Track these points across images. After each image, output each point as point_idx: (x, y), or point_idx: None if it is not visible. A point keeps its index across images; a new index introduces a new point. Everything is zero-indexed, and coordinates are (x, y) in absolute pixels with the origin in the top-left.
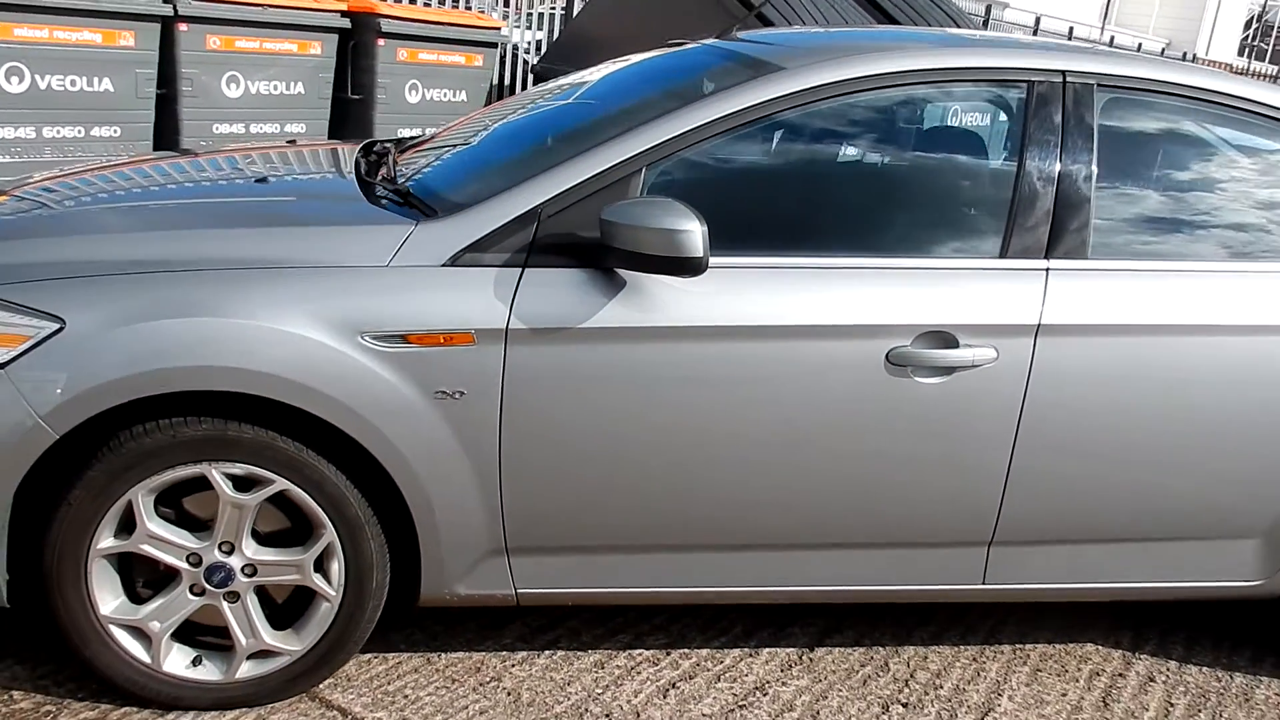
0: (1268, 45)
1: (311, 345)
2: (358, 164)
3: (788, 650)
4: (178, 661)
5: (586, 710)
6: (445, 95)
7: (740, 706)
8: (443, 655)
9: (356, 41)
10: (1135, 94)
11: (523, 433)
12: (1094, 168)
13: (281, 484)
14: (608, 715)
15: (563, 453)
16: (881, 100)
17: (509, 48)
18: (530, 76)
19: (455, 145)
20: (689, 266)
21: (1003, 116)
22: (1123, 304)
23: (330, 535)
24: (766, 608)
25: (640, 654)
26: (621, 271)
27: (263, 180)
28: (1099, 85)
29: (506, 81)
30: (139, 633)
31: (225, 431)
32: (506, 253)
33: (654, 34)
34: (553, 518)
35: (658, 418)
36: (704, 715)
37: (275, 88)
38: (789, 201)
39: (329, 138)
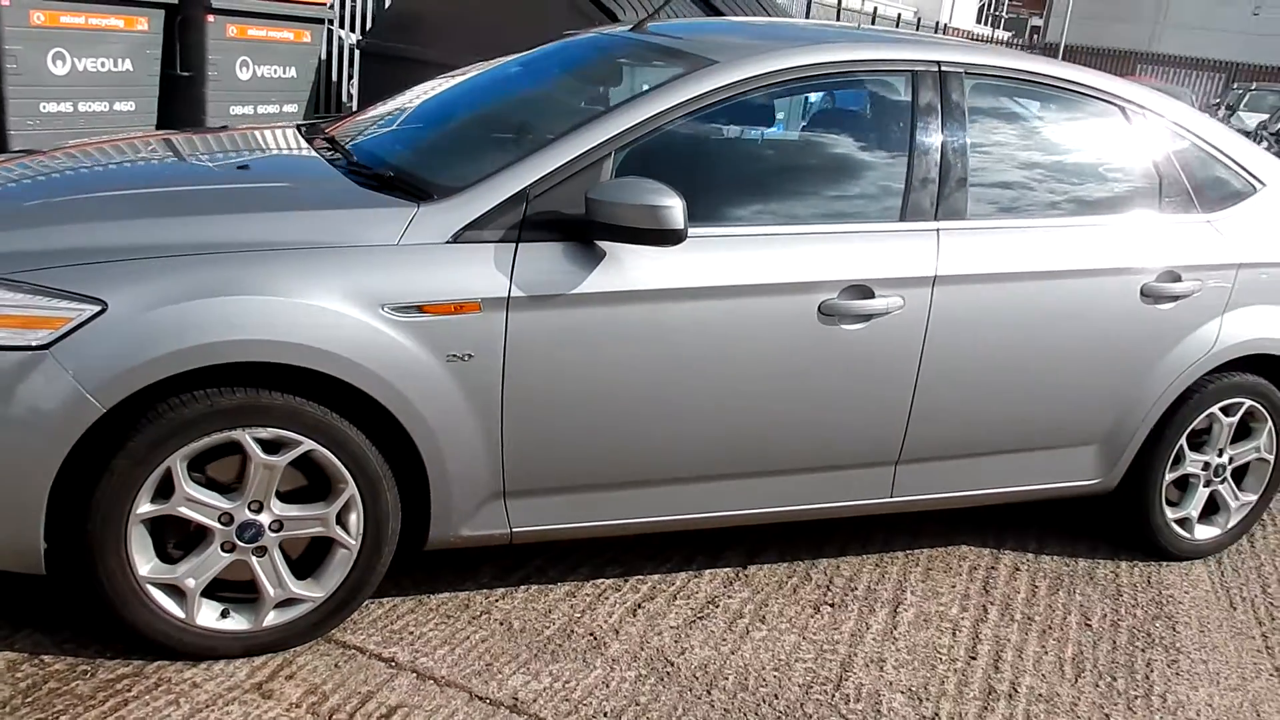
0: (1002, 14)
1: (340, 318)
2: (313, 146)
3: (725, 570)
4: (209, 615)
5: (572, 631)
6: (276, 72)
7: (700, 618)
8: (432, 596)
9: (184, 17)
10: (992, 79)
11: (522, 388)
12: (966, 141)
13: (308, 445)
14: (592, 634)
15: (556, 403)
16: (800, 89)
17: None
18: (355, 53)
19: (404, 128)
20: (671, 238)
21: (894, 101)
22: (992, 256)
23: (351, 489)
24: (699, 535)
25: (602, 583)
26: (601, 243)
27: (244, 167)
28: (966, 73)
29: (334, 58)
30: (174, 590)
31: (258, 400)
32: (501, 229)
33: (478, 11)
34: (546, 462)
35: (636, 369)
36: (671, 627)
37: (103, 65)
38: (731, 179)
39: (159, 116)
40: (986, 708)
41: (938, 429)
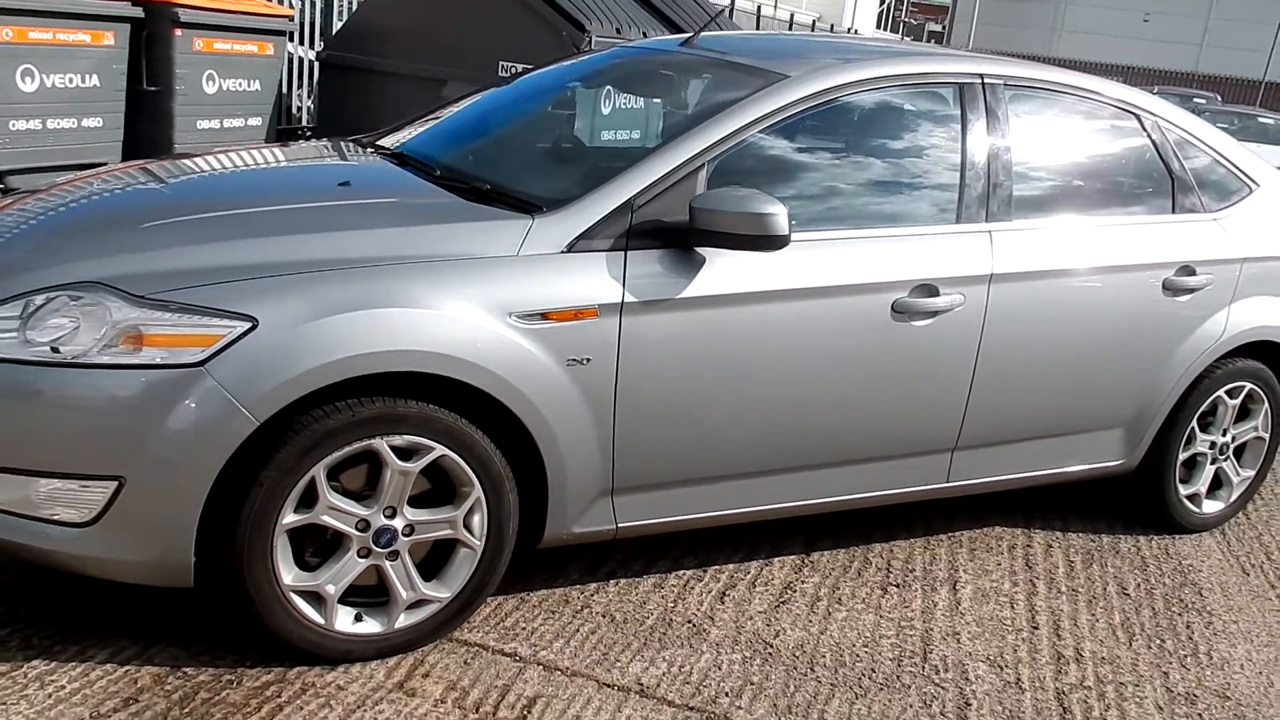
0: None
1: (475, 328)
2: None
3: (791, 557)
4: (345, 620)
5: (671, 620)
6: (240, 85)
7: (782, 602)
8: (531, 594)
9: (150, 32)
10: (1026, 89)
11: (633, 388)
12: (1008, 147)
13: (440, 450)
14: (690, 622)
15: (663, 402)
16: (865, 101)
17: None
18: (310, 66)
19: (474, 140)
20: (775, 243)
21: (945, 111)
22: (1037, 254)
23: (477, 492)
24: (760, 525)
25: (684, 574)
26: (699, 250)
27: (345, 183)
28: (1005, 84)
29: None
30: (313, 597)
31: (394, 408)
32: (610, 239)
33: (440, 23)
34: (651, 458)
35: (734, 367)
36: (760, 612)
37: (71, 80)
38: (808, 186)
39: (125, 132)
40: (1060, 671)
41: (990, 417)
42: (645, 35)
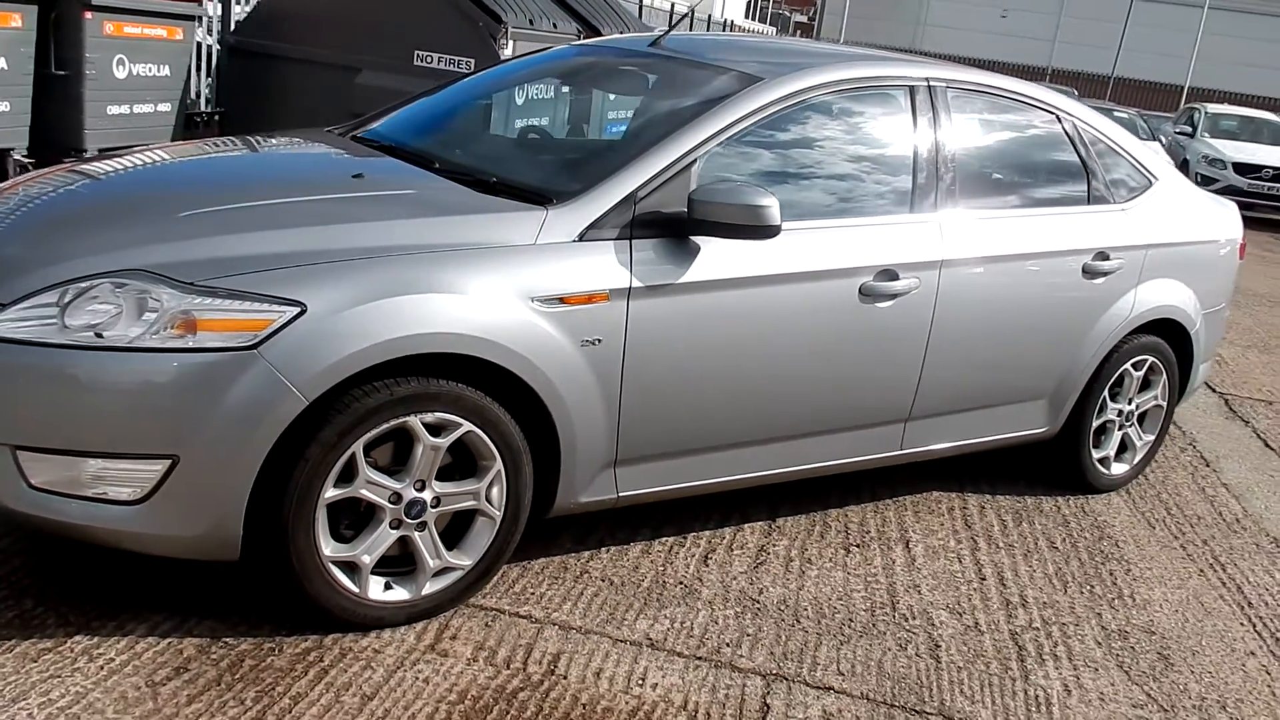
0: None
1: (504, 311)
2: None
3: (760, 524)
4: (376, 588)
5: (665, 582)
6: (151, 70)
7: (760, 563)
8: (533, 562)
9: (59, 14)
10: (964, 92)
11: (637, 366)
12: (951, 143)
13: (467, 426)
14: (681, 582)
15: (664, 378)
16: (831, 101)
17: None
18: (213, 53)
19: (465, 134)
20: (769, 233)
21: (899, 110)
22: (979, 242)
23: (497, 465)
24: (727, 495)
25: (667, 540)
26: (695, 238)
27: (359, 175)
28: (947, 87)
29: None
30: (348, 567)
31: (427, 387)
32: (616, 229)
33: (353, 10)
34: (652, 431)
35: (726, 345)
36: (741, 573)
37: None
38: (786, 179)
39: (33, 116)
40: (1010, 615)
41: (938, 389)
42: (555, 27)
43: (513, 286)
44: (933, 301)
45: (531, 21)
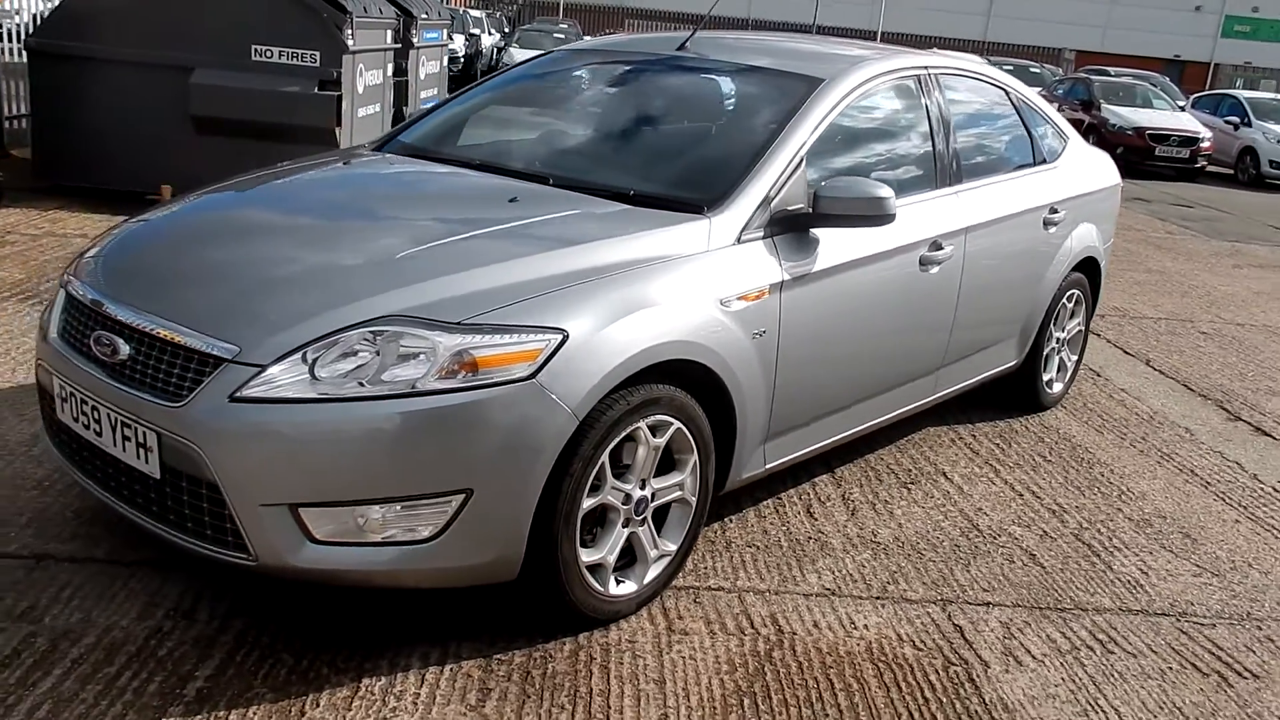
0: None
1: (708, 317)
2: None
3: (824, 476)
4: (613, 585)
5: (796, 539)
6: None
7: (853, 511)
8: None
9: None
10: (947, 76)
11: (788, 350)
12: (951, 122)
13: (676, 424)
14: (811, 538)
15: (805, 358)
16: (872, 93)
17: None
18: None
19: (567, 144)
20: (887, 220)
21: (914, 98)
22: (984, 208)
23: (694, 457)
24: None
25: (768, 503)
26: (813, 230)
27: (514, 200)
28: (943, 73)
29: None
30: (596, 568)
31: (653, 393)
32: (761, 229)
33: (179, 4)
34: (795, 406)
35: (847, 319)
36: (846, 520)
37: None
38: (853, 169)
39: None
40: (1062, 521)
41: (961, 338)
42: (380, 13)
43: (705, 292)
44: (960, 264)
45: (366, 9)
